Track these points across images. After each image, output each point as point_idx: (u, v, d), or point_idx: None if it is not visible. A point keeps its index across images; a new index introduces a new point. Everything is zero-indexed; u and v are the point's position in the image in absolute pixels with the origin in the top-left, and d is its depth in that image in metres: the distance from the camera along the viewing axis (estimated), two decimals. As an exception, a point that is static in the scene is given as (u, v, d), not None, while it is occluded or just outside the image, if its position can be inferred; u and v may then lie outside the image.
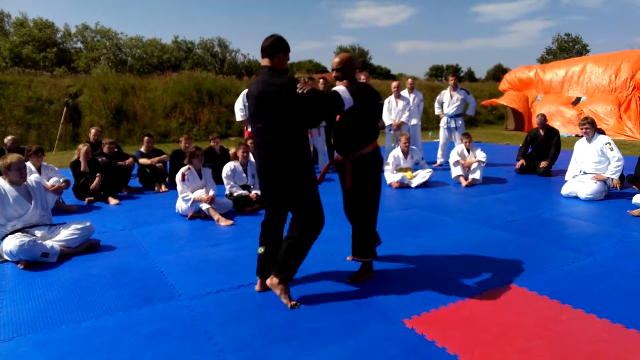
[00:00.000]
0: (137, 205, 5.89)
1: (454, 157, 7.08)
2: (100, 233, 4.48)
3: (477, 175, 6.93)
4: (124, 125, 14.02)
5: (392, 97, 8.18)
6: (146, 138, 7.18)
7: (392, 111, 8.17)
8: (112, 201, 5.94)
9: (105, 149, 6.61)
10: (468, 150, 7.17)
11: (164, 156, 7.11)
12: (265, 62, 2.96)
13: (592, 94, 14.71)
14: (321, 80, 8.30)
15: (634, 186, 6.21)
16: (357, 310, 2.90)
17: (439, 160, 8.71)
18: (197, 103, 15.43)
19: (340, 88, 3.07)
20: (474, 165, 6.97)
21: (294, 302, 2.97)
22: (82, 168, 6.04)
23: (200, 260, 3.81)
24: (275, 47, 2.93)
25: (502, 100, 16.93)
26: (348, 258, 3.76)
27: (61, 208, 5.51)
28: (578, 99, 15.05)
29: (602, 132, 6.28)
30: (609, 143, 5.87)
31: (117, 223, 5.02)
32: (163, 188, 6.74)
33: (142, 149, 7.08)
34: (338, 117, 3.33)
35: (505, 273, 3.43)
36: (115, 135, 12.99)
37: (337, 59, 3.31)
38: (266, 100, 2.86)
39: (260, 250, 3.19)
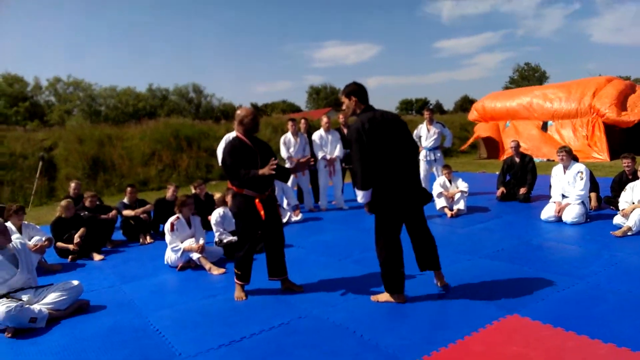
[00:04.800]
0: (124, 259, 5.73)
1: (436, 189, 7.21)
2: (89, 292, 4.32)
3: (461, 205, 7.06)
4: (100, 176, 13.77)
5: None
6: (129, 189, 7.07)
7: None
8: (97, 257, 5.76)
9: (87, 203, 6.47)
10: (450, 182, 7.32)
11: (148, 206, 6.99)
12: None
13: (560, 119, 15.34)
14: (302, 120, 8.44)
15: (611, 207, 6.43)
16: (364, 354, 2.85)
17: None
18: (176, 149, 15.37)
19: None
20: (457, 196, 7.11)
21: None
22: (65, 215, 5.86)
23: (196, 313, 3.70)
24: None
25: (478, 133, 17.40)
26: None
27: (44, 267, 5.30)
28: (545, 124, 15.67)
29: (576, 159, 6.54)
30: (581, 172, 6.10)
31: (104, 280, 4.85)
32: (148, 239, 6.60)
33: (125, 200, 6.96)
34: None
35: (505, 303, 3.46)
36: (93, 187, 12.72)
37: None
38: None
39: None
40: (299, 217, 7.30)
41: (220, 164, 4.26)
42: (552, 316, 3.16)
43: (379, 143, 3.44)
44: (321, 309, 3.62)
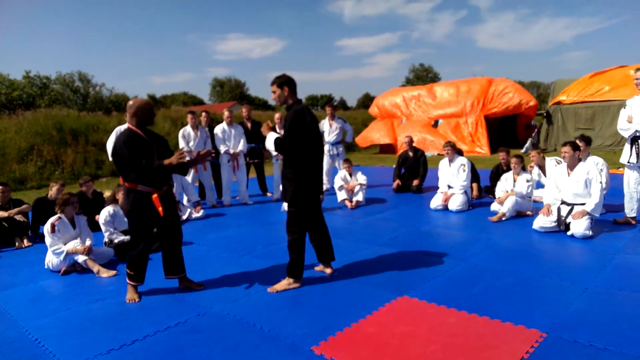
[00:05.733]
0: (-6, 266, 5.06)
1: (338, 182, 7.45)
2: (-52, 305, 3.75)
3: (360, 197, 7.38)
4: (-35, 174, 12.00)
5: (276, 128, 8.35)
6: (0, 187, 6.24)
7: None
8: (-41, 265, 5.01)
9: (-55, 204, 5.60)
10: (350, 175, 7.61)
11: (24, 206, 6.24)
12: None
13: (448, 118, 16.75)
14: (203, 113, 8.15)
15: (490, 195, 7.18)
16: (264, 347, 2.85)
17: (325, 185, 9.05)
18: (59, 143, 13.90)
19: None
20: (357, 188, 7.42)
21: None
22: None
23: (83, 319, 3.40)
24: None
25: (371, 135, 18.33)
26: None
27: None
28: (436, 122, 17.00)
29: (461, 153, 7.17)
30: (463, 165, 6.74)
31: (-31, 290, 4.24)
32: (25, 243, 5.90)
33: (-4, 200, 6.14)
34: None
35: (397, 286, 3.69)
36: (-45, 186, 11.03)
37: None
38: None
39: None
40: (201, 213, 7.06)
41: (110, 157, 3.95)
42: (436, 295, 3.45)
43: (310, 134, 3.66)
44: (222, 305, 3.55)
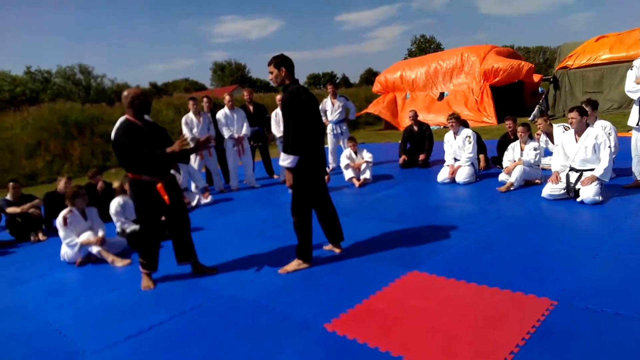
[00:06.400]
0: (12, 261, 5.18)
1: (344, 161, 7.44)
2: (-31, 301, 3.86)
3: (367, 175, 7.37)
4: (-24, 172, 12.16)
5: (278, 110, 8.31)
6: (11, 184, 6.33)
7: (280, 123, 8.29)
8: (-22, 261, 5.14)
9: (-41, 203, 5.70)
10: (355, 153, 7.59)
11: (36, 201, 6.34)
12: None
13: (453, 89, 16.50)
14: (205, 99, 8.12)
15: (497, 166, 7.13)
16: (277, 327, 2.90)
17: (331, 165, 9.05)
18: (65, 137, 13.99)
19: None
20: (363, 166, 7.40)
21: None
22: None
23: (100, 309, 3.49)
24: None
25: (371, 110, 18.18)
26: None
27: None
28: (442, 95, 16.77)
29: (466, 124, 7.09)
30: (469, 137, 6.66)
31: (-12, 286, 4.36)
32: (41, 236, 6.02)
33: (8, 197, 6.24)
34: None
35: (406, 261, 3.72)
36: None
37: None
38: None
39: None
40: (209, 199, 7.11)
41: (112, 148, 3.97)
42: (446, 269, 3.47)
43: (308, 114, 3.61)
44: (234, 288, 3.61)
